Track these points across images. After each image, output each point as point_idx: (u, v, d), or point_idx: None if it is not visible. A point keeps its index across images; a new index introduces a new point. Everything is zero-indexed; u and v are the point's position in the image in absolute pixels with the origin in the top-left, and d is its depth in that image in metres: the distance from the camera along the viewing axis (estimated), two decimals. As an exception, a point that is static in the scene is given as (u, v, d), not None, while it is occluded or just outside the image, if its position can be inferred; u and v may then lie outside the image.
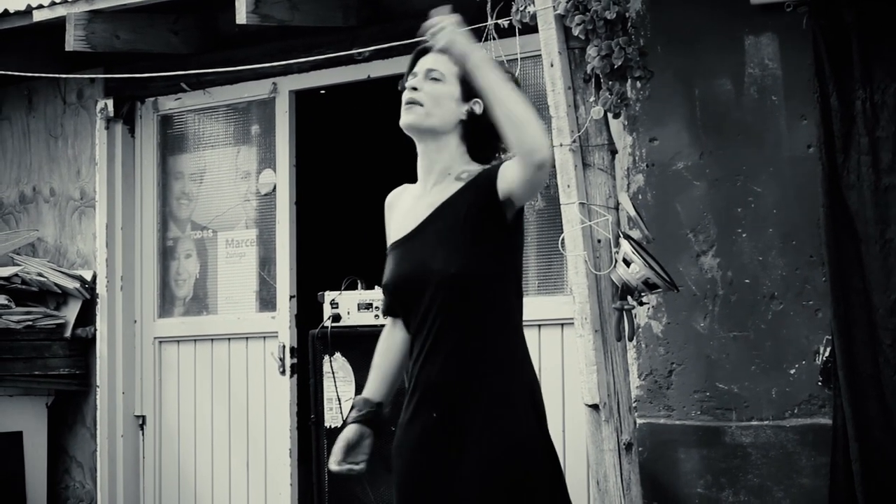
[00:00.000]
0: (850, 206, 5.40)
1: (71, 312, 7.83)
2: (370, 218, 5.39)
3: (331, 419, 6.58)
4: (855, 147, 5.40)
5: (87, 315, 7.82)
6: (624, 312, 5.36)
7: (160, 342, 7.78)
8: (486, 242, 3.68)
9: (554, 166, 5.32)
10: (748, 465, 5.71)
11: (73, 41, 7.13)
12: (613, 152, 5.50)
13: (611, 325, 5.37)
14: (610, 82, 5.40)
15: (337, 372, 6.58)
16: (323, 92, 7.72)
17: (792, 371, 5.66)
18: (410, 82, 3.81)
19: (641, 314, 5.93)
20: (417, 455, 3.71)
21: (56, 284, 7.79)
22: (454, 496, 3.63)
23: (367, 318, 6.60)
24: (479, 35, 5.76)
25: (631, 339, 5.49)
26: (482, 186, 3.70)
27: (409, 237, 3.80)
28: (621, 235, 5.38)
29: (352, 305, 6.63)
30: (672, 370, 5.92)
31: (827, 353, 5.55)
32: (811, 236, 5.60)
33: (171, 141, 7.85)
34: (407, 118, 3.79)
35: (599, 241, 5.38)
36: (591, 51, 5.35)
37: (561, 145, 5.38)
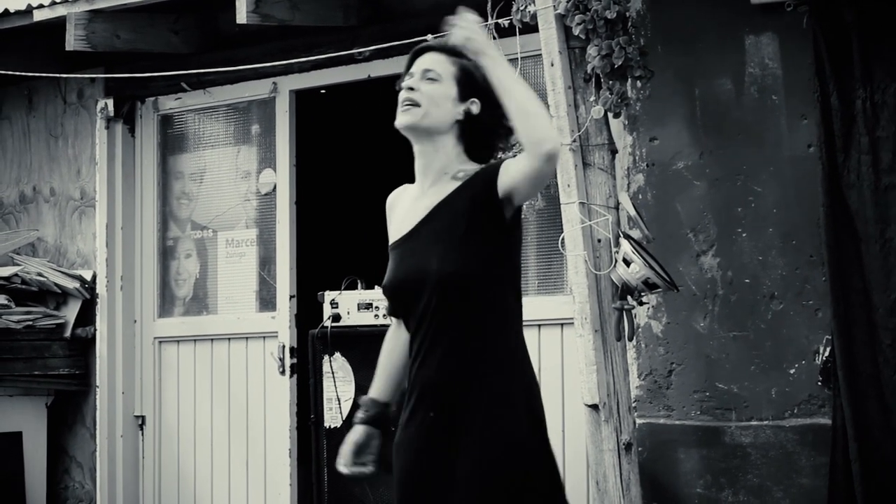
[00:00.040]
0: (851, 205, 5.40)
1: (71, 312, 7.83)
2: (370, 217, 5.39)
3: (330, 419, 6.57)
4: (855, 146, 5.40)
5: (86, 315, 7.82)
6: (624, 312, 5.36)
7: (160, 342, 7.78)
8: (483, 241, 3.68)
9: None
10: (748, 465, 5.71)
11: (73, 41, 7.13)
12: (614, 152, 5.50)
13: (611, 325, 5.37)
14: (610, 82, 5.40)
15: (337, 372, 6.58)
16: (323, 92, 7.71)
17: (792, 371, 5.66)
18: (407, 82, 3.81)
19: (641, 314, 5.93)
20: (415, 455, 3.71)
21: (56, 284, 7.79)
22: (452, 496, 3.63)
23: (366, 318, 6.60)
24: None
25: (631, 339, 5.49)
26: (480, 184, 3.70)
27: (406, 238, 3.80)
28: (621, 235, 5.38)
29: (352, 305, 6.63)
30: (672, 370, 5.92)
31: (827, 353, 5.54)
32: (811, 236, 5.60)
33: (172, 140, 7.85)
34: (403, 119, 3.79)
35: (599, 240, 5.38)
36: (592, 50, 5.35)
37: (561, 145, 5.37)
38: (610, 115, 5.45)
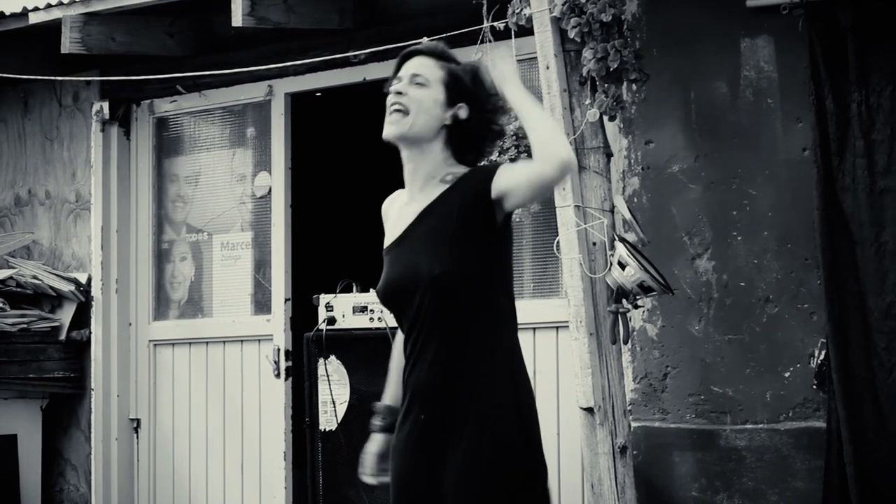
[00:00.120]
0: (846, 208, 5.41)
1: (66, 315, 7.82)
2: (365, 221, 5.39)
3: (325, 422, 6.57)
4: (850, 150, 5.40)
5: (81, 318, 7.81)
6: (619, 315, 5.36)
7: (155, 345, 7.77)
8: (472, 243, 3.67)
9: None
10: (743, 469, 5.71)
11: (68, 43, 7.13)
12: (609, 155, 5.50)
13: (606, 329, 5.37)
14: (605, 85, 5.40)
15: (332, 375, 6.58)
16: (319, 94, 7.71)
17: (786, 374, 5.66)
18: (395, 87, 3.81)
19: (636, 317, 5.93)
20: (408, 456, 3.71)
21: (51, 287, 7.78)
22: (444, 498, 3.63)
23: (361, 322, 6.59)
24: (475, 38, 5.77)
25: (626, 343, 5.49)
26: (470, 185, 3.69)
27: (397, 242, 3.81)
28: (616, 238, 5.38)
29: (347, 308, 6.63)
30: (667, 373, 5.92)
31: (822, 356, 5.55)
32: (806, 239, 5.60)
33: (167, 143, 7.85)
34: (390, 130, 3.79)
35: (594, 244, 5.37)
36: (587, 53, 5.35)
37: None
38: (605, 118, 5.45)
